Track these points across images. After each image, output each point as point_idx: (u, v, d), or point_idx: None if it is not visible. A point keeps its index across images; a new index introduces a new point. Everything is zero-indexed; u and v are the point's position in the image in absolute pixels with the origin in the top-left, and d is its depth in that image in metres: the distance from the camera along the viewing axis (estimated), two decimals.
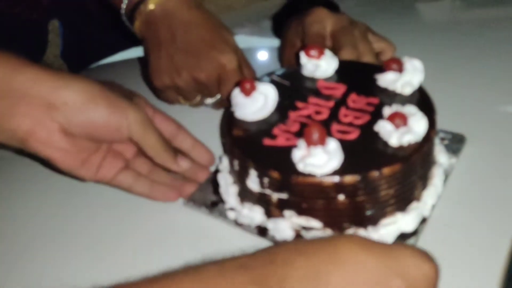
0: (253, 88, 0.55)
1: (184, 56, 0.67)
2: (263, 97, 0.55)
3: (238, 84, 0.56)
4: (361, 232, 0.50)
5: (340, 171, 0.47)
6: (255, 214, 0.53)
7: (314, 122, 0.52)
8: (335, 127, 0.52)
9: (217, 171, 0.59)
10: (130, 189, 0.58)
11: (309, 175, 0.47)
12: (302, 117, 0.55)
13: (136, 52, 0.87)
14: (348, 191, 0.48)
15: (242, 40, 0.86)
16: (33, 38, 1.06)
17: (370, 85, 0.58)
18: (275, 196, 0.50)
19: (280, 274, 0.34)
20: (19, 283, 0.53)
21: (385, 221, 0.50)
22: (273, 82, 0.60)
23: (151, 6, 0.68)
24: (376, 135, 0.51)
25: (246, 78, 0.68)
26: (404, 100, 0.56)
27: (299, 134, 0.51)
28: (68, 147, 0.53)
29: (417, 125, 0.50)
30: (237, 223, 0.55)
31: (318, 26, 0.69)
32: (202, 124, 0.65)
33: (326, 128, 0.50)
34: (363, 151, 0.50)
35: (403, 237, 0.50)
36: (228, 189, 0.56)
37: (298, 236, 0.51)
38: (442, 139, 0.61)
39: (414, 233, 0.51)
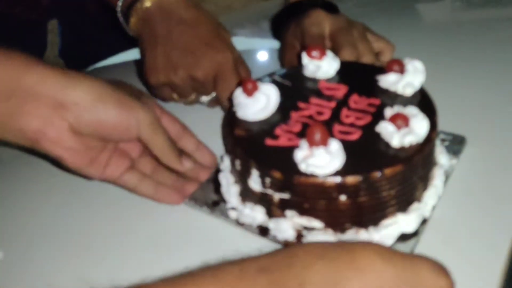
0: (255, 88, 0.56)
1: (181, 54, 0.67)
2: (265, 97, 0.56)
3: (240, 84, 0.56)
4: (362, 232, 0.50)
5: (342, 172, 0.47)
6: (256, 214, 0.53)
7: (316, 123, 0.53)
8: (337, 127, 0.53)
9: (218, 171, 0.59)
10: (135, 189, 0.58)
11: (311, 176, 0.48)
12: (304, 117, 0.55)
13: (135, 54, 0.87)
14: (350, 192, 0.48)
15: (242, 40, 0.87)
16: (32, 38, 1.06)
17: (372, 86, 0.58)
18: (277, 196, 0.50)
19: (299, 278, 0.34)
20: (21, 283, 0.53)
21: (386, 221, 0.50)
22: (274, 82, 0.60)
23: (147, 4, 0.68)
24: (377, 136, 0.51)
25: (243, 78, 0.68)
26: (405, 101, 0.56)
27: (301, 134, 0.51)
28: (77, 146, 0.53)
29: (419, 126, 0.50)
30: (238, 223, 0.55)
31: (316, 28, 0.70)
32: (203, 124, 0.65)
33: (328, 128, 0.50)
34: (365, 152, 0.50)
35: (403, 238, 0.51)
36: (230, 188, 0.56)
37: (299, 236, 0.51)
38: (443, 140, 0.61)
39: (415, 233, 0.51)
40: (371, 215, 0.50)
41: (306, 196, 0.48)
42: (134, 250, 0.55)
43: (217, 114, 0.69)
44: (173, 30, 0.68)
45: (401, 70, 0.57)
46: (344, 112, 0.55)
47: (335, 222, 0.50)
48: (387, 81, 0.58)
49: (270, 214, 0.52)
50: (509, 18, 0.92)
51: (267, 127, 0.54)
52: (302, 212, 0.50)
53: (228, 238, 0.54)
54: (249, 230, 0.54)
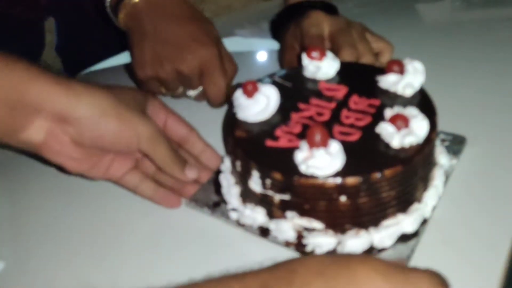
0: (255, 90, 0.56)
1: (167, 48, 0.69)
2: (265, 99, 0.56)
3: (241, 85, 0.57)
4: (363, 233, 0.50)
5: (342, 173, 0.48)
6: (257, 215, 0.53)
7: (316, 124, 0.53)
8: (337, 128, 0.53)
9: (219, 172, 0.59)
10: (135, 190, 0.59)
11: (311, 177, 0.48)
12: (304, 118, 0.55)
13: None
14: (350, 193, 0.48)
15: (242, 41, 0.87)
16: (31, 37, 1.06)
17: (372, 87, 0.58)
18: (277, 197, 0.50)
19: None
20: (21, 284, 0.53)
21: (386, 222, 0.50)
22: (275, 83, 0.60)
23: None
24: (377, 137, 0.51)
25: (229, 73, 0.71)
26: (405, 101, 0.56)
27: (301, 135, 0.51)
28: (79, 155, 0.55)
29: (419, 127, 0.50)
30: (239, 224, 0.55)
31: (316, 29, 0.70)
32: (204, 124, 0.65)
33: (328, 129, 0.50)
34: (365, 153, 0.50)
35: (404, 238, 0.51)
36: (230, 189, 0.56)
37: (300, 237, 0.51)
38: (443, 140, 0.61)
39: (415, 234, 0.51)
40: (371, 216, 0.50)
41: (307, 197, 0.49)
42: (135, 251, 0.55)
43: (218, 115, 0.69)
44: (161, 25, 0.69)
45: (401, 70, 0.57)
46: (344, 113, 0.55)
47: (335, 223, 0.50)
48: (387, 81, 0.58)
49: (271, 215, 0.52)
50: (509, 18, 0.92)
51: (268, 128, 0.54)
52: (303, 213, 0.50)
53: (229, 239, 0.55)
54: (249, 231, 0.54)
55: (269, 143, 0.52)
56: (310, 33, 0.70)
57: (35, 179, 0.66)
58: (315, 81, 0.61)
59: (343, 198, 0.48)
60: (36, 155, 0.55)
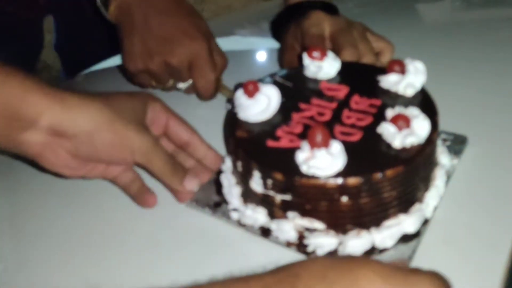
0: (256, 90, 0.56)
1: (157, 41, 0.69)
2: (266, 99, 0.56)
3: (242, 85, 0.56)
4: (364, 233, 0.50)
5: (344, 173, 0.48)
6: (258, 215, 0.53)
7: (317, 124, 0.53)
8: (338, 128, 0.53)
9: (220, 172, 0.59)
10: (124, 188, 0.60)
11: (313, 177, 0.48)
12: (305, 118, 0.55)
13: None
14: (351, 193, 0.48)
15: (242, 40, 0.87)
16: (30, 36, 1.06)
17: (373, 87, 0.58)
18: (279, 197, 0.50)
19: None
20: (21, 284, 0.53)
21: (387, 222, 0.50)
22: (276, 83, 0.60)
23: None
24: (379, 137, 0.51)
25: (219, 67, 0.71)
26: (406, 101, 0.56)
27: (302, 135, 0.51)
28: (75, 165, 0.55)
29: (420, 127, 0.50)
30: (240, 224, 0.55)
31: (316, 29, 0.70)
32: (205, 124, 0.65)
33: (329, 129, 0.50)
34: (366, 153, 0.50)
35: (405, 239, 0.51)
36: (232, 190, 0.56)
37: (301, 237, 0.51)
38: (444, 140, 0.61)
39: (417, 234, 0.51)
40: (372, 216, 0.50)
41: (308, 197, 0.49)
42: (136, 251, 0.55)
43: (219, 115, 0.69)
44: (151, 18, 0.70)
45: (402, 70, 0.57)
46: (345, 113, 0.55)
47: (336, 223, 0.50)
48: (388, 81, 0.58)
49: (272, 215, 0.52)
50: (509, 18, 0.92)
51: (269, 128, 0.54)
52: (304, 213, 0.50)
53: (230, 239, 0.54)
54: (251, 231, 0.54)
55: (270, 143, 0.52)
56: (310, 33, 0.70)
57: (35, 179, 0.65)
58: (316, 81, 0.61)
59: (344, 199, 0.48)
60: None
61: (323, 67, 0.60)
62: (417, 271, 0.39)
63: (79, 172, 0.56)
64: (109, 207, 0.61)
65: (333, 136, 0.51)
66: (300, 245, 0.51)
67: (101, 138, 0.53)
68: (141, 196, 0.59)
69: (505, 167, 0.59)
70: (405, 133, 0.50)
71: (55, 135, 0.52)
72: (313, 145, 0.48)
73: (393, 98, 0.57)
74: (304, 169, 0.48)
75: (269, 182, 0.50)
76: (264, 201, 0.52)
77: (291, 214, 0.50)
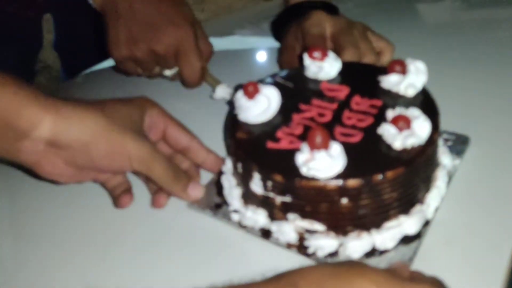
0: (256, 91, 0.55)
1: (142, 29, 0.69)
2: (266, 100, 0.55)
3: (242, 87, 0.56)
4: (364, 235, 0.50)
5: (344, 175, 0.47)
6: (258, 217, 0.53)
7: (317, 126, 0.52)
8: (338, 129, 0.53)
9: (221, 173, 0.59)
10: (110, 191, 0.59)
11: (313, 179, 0.47)
12: (306, 119, 0.55)
13: None
14: (352, 195, 0.48)
15: (242, 40, 0.87)
16: (28, 35, 1.05)
17: (374, 87, 0.58)
18: (279, 199, 0.50)
19: None
20: (21, 284, 0.53)
21: (388, 224, 0.50)
22: (276, 83, 0.60)
23: None
24: (379, 138, 0.51)
25: (205, 54, 0.72)
26: (407, 102, 0.56)
27: (303, 137, 0.51)
28: (72, 173, 0.55)
29: (421, 128, 0.50)
30: (241, 225, 0.55)
31: (317, 29, 0.70)
32: (206, 126, 0.65)
33: (329, 130, 0.50)
34: (367, 154, 0.50)
35: (406, 240, 0.50)
36: (232, 191, 0.56)
37: (301, 239, 0.51)
38: (446, 140, 0.61)
39: (418, 236, 0.51)
40: (373, 218, 0.49)
41: (308, 199, 0.48)
42: (136, 252, 0.55)
43: (220, 116, 0.69)
44: (135, 5, 0.70)
45: (403, 70, 0.57)
46: (346, 113, 0.55)
47: (337, 225, 0.49)
48: (389, 82, 0.58)
49: (272, 217, 0.52)
50: (509, 18, 0.92)
51: (269, 129, 0.54)
52: (304, 215, 0.50)
53: (230, 240, 0.54)
54: (251, 233, 0.54)
55: (270, 144, 0.52)
56: (311, 33, 0.70)
57: (35, 180, 0.65)
58: (316, 82, 0.61)
59: (344, 200, 0.48)
60: None
61: (324, 68, 0.60)
62: (415, 279, 0.39)
63: (75, 179, 0.56)
64: (109, 208, 0.60)
65: (333, 137, 0.51)
66: (301, 247, 0.51)
67: (97, 148, 0.53)
68: (118, 198, 0.58)
69: (507, 167, 0.59)
70: (406, 134, 0.50)
71: (50, 145, 0.52)
72: (313, 147, 0.47)
73: (394, 99, 0.57)
74: (304, 171, 0.48)
75: (269, 183, 0.50)
76: (264, 202, 0.52)
77: (291, 215, 0.50)
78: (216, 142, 0.65)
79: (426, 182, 0.53)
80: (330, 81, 0.60)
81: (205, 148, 0.61)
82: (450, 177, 0.57)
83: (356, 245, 0.49)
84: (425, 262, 0.48)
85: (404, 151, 0.50)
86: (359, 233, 0.50)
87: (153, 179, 0.56)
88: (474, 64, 0.78)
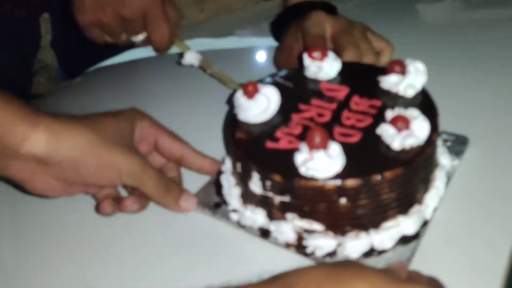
0: (255, 91, 0.56)
1: None
2: (266, 100, 0.56)
3: (241, 86, 0.56)
4: (363, 235, 0.50)
5: (342, 175, 0.47)
6: (257, 216, 0.53)
7: (316, 126, 0.52)
8: (337, 129, 0.53)
9: (220, 173, 0.59)
10: (98, 200, 0.58)
11: (311, 179, 0.48)
12: (305, 119, 0.55)
13: (134, 54, 0.87)
14: (350, 195, 0.48)
15: (242, 40, 0.86)
16: (26, 34, 1.05)
17: (373, 87, 0.58)
18: (277, 199, 0.50)
19: None
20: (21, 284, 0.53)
21: (386, 224, 0.50)
22: (276, 83, 0.60)
23: None
24: (378, 139, 0.51)
25: (172, 20, 0.72)
26: (406, 102, 0.56)
27: (302, 137, 0.51)
28: (62, 188, 0.55)
29: (420, 129, 0.50)
30: (239, 225, 0.55)
31: (317, 29, 0.70)
32: (205, 125, 0.65)
33: (328, 131, 0.50)
34: (365, 155, 0.50)
35: (404, 240, 0.51)
36: (231, 190, 0.56)
37: (300, 239, 0.51)
38: (445, 140, 0.61)
39: (416, 236, 0.51)
40: (371, 218, 0.49)
41: (306, 199, 0.48)
42: (135, 252, 0.55)
43: (219, 116, 0.69)
44: None
45: (403, 71, 0.57)
46: (345, 114, 0.55)
47: (335, 225, 0.49)
48: (389, 82, 0.58)
49: (271, 216, 0.52)
50: (509, 18, 0.92)
51: (268, 129, 0.54)
52: (303, 215, 0.50)
53: (229, 240, 0.54)
54: (250, 232, 0.54)
55: (269, 144, 0.52)
56: (312, 32, 0.70)
57: None
58: (316, 82, 0.61)
59: (343, 200, 0.48)
60: None
61: (324, 68, 0.60)
62: (412, 279, 0.39)
63: (64, 193, 0.56)
64: None
65: (332, 137, 0.51)
66: (299, 246, 0.51)
67: (86, 164, 0.53)
68: (100, 202, 0.58)
69: (507, 168, 0.59)
70: (405, 134, 0.50)
71: (40, 162, 0.52)
72: (312, 146, 0.47)
73: (394, 99, 0.57)
74: (302, 170, 0.48)
75: (268, 183, 0.50)
76: (263, 202, 0.52)
77: (290, 215, 0.50)
78: (216, 141, 0.65)
79: (425, 183, 0.53)
80: (330, 81, 0.60)
81: (199, 154, 0.61)
82: (449, 177, 0.57)
83: (354, 245, 0.49)
84: (423, 263, 0.48)
85: (403, 151, 0.50)
86: (358, 233, 0.50)
87: (144, 192, 0.56)
88: (473, 64, 0.78)
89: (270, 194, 0.50)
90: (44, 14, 1.09)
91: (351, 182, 0.47)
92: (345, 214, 0.49)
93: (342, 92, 0.58)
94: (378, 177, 0.47)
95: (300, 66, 0.62)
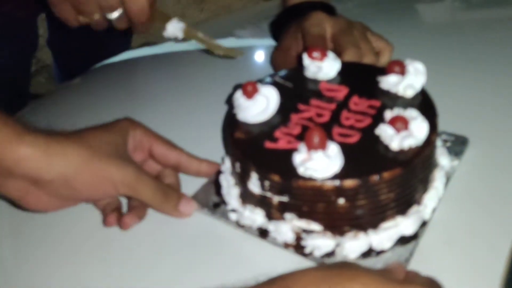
0: (255, 91, 0.56)
1: None
2: (265, 100, 0.56)
3: (241, 86, 0.56)
4: (361, 235, 0.50)
5: (341, 175, 0.47)
6: (256, 216, 0.53)
7: (315, 126, 0.52)
8: (336, 130, 0.53)
9: (220, 172, 0.59)
10: (102, 210, 0.58)
11: (310, 179, 0.48)
12: (304, 119, 0.55)
13: (134, 53, 0.88)
14: (348, 195, 0.48)
15: (242, 40, 0.86)
16: (26, 35, 1.06)
17: (372, 88, 0.58)
18: (276, 199, 0.50)
19: None
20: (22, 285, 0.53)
21: (385, 224, 0.50)
22: (275, 83, 0.60)
23: None
24: (377, 139, 0.51)
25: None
26: (406, 102, 0.56)
27: (301, 137, 0.51)
28: (57, 204, 0.55)
29: (418, 129, 0.50)
30: (238, 225, 0.55)
31: (317, 29, 0.70)
32: (204, 125, 0.65)
33: (327, 131, 0.50)
34: (364, 155, 0.50)
35: (403, 241, 0.51)
36: (230, 190, 0.56)
37: (298, 239, 0.51)
38: (445, 141, 0.61)
39: (415, 236, 0.51)
40: (370, 218, 0.49)
41: (305, 199, 0.49)
42: (134, 252, 0.55)
43: (218, 116, 0.69)
44: None
45: (402, 71, 0.57)
46: (344, 114, 0.55)
47: (334, 225, 0.49)
48: (388, 82, 0.58)
49: (270, 216, 0.52)
50: (509, 18, 0.92)
51: (267, 129, 0.54)
52: (301, 215, 0.50)
53: (228, 240, 0.54)
54: (249, 232, 0.54)
55: (268, 144, 0.52)
56: (312, 33, 0.70)
57: None
58: (316, 82, 0.61)
59: (341, 201, 0.48)
60: None
61: (323, 68, 0.60)
62: (409, 280, 0.39)
63: (61, 208, 0.56)
64: None
65: (331, 138, 0.51)
66: (298, 246, 0.51)
67: (79, 180, 0.53)
68: (105, 215, 0.58)
69: (506, 168, 0.59)
70: (403, 135, 0.50)
71: (33, 181, 0.52)
72: (310, 147, 0.47)
73: (393, 99, 0.57)
74: (301, 171, 0.48)
75: (267, 183, 0.50)
76: (262, 202, 0.52)
77: (288, 215, 0.50)
78: (215, 141, 0.65)
79: (424, 183, 0.53)
80: (329, 81, 0.60)
81: (195, 158, 0.61)
82: (448, 178, 0.57)
83: (353, 245, 0.49)
84: (421, 263, 0.48)
85: (402, 152, 0.50)
86: (356, 233, 0.50)
87: (142, 200, 0.56)
88: (473, 64, 0.78)
89: (268, 194, 0.50)
90: (42, 14, 1.09)
91: (349, 183, 0.47)
92: (343, 214, 0.49)
93: (341, 92, 0.58)
94: (376, 178, 0.47)
95: (300, 66, 0.62)
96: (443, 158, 0.57)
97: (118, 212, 0.57)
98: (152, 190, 0.56)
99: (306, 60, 0.61)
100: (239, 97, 0.56)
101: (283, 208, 0.50)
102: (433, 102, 0.56)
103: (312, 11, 0.72)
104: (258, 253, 0.53)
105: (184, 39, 0.70)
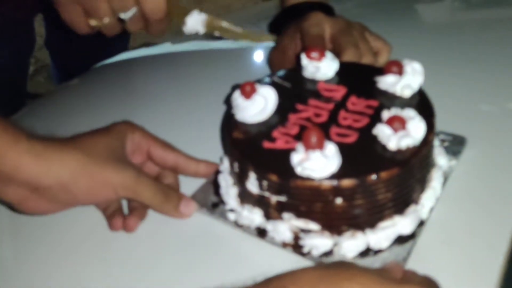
0: (253, 91, 0.56)
1: None
2: (263, 100, 0.56)
3: (239, 86, 0.57)
4: (359, 235, 0.50)
5: (338, 175, 0.48)
6: (254, 216, 0.53)
7: (313, 126, 0.53)
8: (334, 130, 0.53)
9: (218, 172, 0.59)
10: (103, 211, 0.58)
11: (307, 179, 0.48)
12: (302, 119, 0.55)
13: (133, 53, 0.88)
14: (346, 195, 0.48)
15: (241, 41, 0.86)
16: (21, 35, 1.06)
17: (370, 88, 0.58)
18: (274, 198, 0.50)
19: None
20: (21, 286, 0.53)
21: (383, 224, 0.50)
22: (274, 83, 0.60)
23: None
24: (374, 139, 0.51)
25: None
26: (403, 102, 0.56)
27: (299, 137, 0.51)
28: (57, 208, 0.56)
29: (416, 129, 0.50)
30: (237, 225, 0.55)
31: (317, 29, 0.70)
32: (203, 125, 0.65)
33: (325, 131, 0.50)
34: (361, 155, 0.50)
35: (400, 240, 0.51)
36: (229, 190, 0.56)
37: (296, 238, 0.51)
38: (443, 141, 0.61)
39: (412, 236, 0.51)
40: (367, 218, 0.50)
41: (303, 199, 0.49)
42: (133, 251, 0.55)
43: (217, 116, 0.69)
44: None
45: (400, 71, 0.57)
46: (342, 114, 0.55)
47: (331, 224, 0.50)
48: (386, 82, 0.58)
49: (268, 216, 0.52)
50: (509, 18, 0.92)
51: (265, 129, 0.54)
52: (299, 214, 0.50)
53: (226, 239, 0.55)
54: (247, 232, 0.54)
55: (266, 144, 0.52)
56: (311, 33, 0.70)
57: None
58: (314, 82, 0.61)
59: (339, 200, 0.48)
60: None
61: (321, 68, 0.60)
62: (406, 279, 0.39)
63: (61, 210, 0.56)
64: None
65: (328, 138, 0.51)
66: (296, 246, 0.51)
67: (78, 185, 0.53)
68: (110, 219, 0.57)
69: (504, 168, 0.59)
70: (401, 134, 0.50)
71: (33, 188, 0.52)
72: (308, 147, 0.48)
73: (391, 99, 0.57)
74: (298, 170, 0.48)
75: (265, 183, 0.50)
76: (260, 202, 0.52)
77: (286, 215, 0.51)
78: (213, 141, 0.65)
79: (421, 183, 0.53)
80: (327, 81, 0.61)
81: (193, 159, 0.61)
82: (446, 177, 0.57)
83: (350, 244, 0.50)
84: (419, 262, 0.48)
85: (399, 151, 0.50)
86: (354, 232, 0.50)
87: (142, 202, 0.56)
88: (472, 64, 0.78)
89: (267, 194, 0.51)
90: (39, 15, 1.10)
91: (347, 182, 0.47)
92: (341, 214, 0.49)
93: (339, 92, 0.58)
94: (374, 177, 0.48)
95: (298, 66, 0.62)
96: (440, 158, 0.57)
97: (121, 214, 0.57)
98: (152, 192, 0.56)
99: (304, 60, 0.61)
100: (237, 97, 0.56)
101: (281, 208, 0.51)
102: (431, 102, 0.56)
103: (311, 12, 0.72)
104: (256, 253, 0.53)
105: (206, 33, 0.66)
